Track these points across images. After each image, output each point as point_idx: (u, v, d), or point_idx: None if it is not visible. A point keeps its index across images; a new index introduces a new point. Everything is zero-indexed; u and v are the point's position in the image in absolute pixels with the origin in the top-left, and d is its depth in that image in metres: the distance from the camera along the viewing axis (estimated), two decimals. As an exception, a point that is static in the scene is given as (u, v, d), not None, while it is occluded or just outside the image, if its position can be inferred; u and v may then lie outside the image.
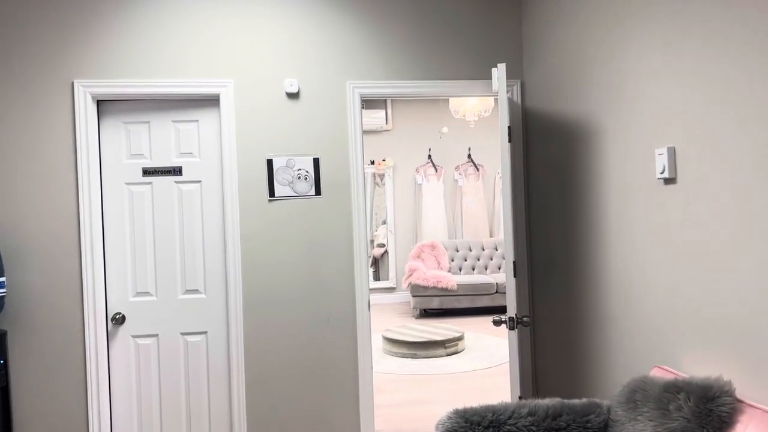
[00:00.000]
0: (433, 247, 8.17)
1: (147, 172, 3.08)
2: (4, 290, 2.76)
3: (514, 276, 2.70)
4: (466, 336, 6.51)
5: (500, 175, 8.89)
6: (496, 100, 7.87)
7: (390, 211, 8.86)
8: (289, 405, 3.12)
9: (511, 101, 3.26)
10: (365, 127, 8.68)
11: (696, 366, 1.96)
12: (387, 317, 7.79)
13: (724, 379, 1.80)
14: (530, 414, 2.03)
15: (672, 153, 2.05)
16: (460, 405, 4.43)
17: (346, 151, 3.16)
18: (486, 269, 8.27)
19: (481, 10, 3.27)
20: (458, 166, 8.86)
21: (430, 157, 8.81)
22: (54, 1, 2.96)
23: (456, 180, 8.87)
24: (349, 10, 3.18)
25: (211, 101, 3.12)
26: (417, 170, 8.78)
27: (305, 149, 3.13)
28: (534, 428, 1.99)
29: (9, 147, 2.92)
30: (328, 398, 3.14)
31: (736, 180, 1.77)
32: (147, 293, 3.08)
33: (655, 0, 2.13)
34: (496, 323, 2.64)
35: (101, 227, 3.02)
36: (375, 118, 8.54)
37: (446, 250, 8.23)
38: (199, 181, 3.12)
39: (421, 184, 8.74)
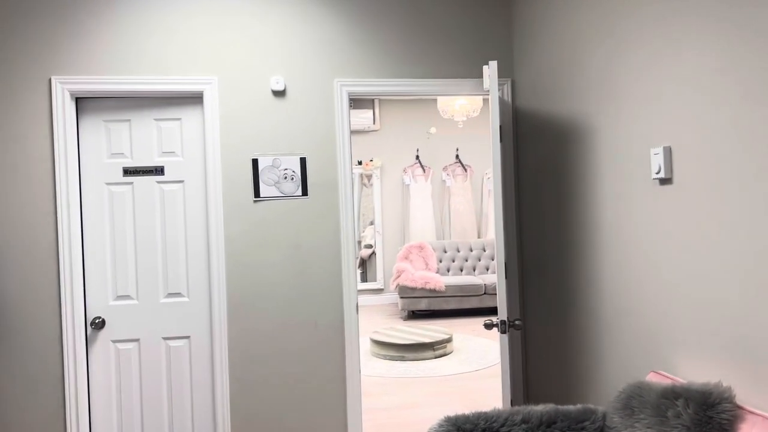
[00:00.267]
0: (421, 248, 8.13)
1: (128, 171, 3.00)
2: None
3: (506, 278, 2.65)
4: (454, 338, 6.47)
5: (488, 176, 8.89)
6: (485, 101, 7.84)
7: (378, 211, 8.80)
8: (275, 411, 3.04)
9: (501, 100, 3.22)
10: (353, 128, 8.62)
11: (693, 371, 1.92)
12: (374, 319, 7.73)
13: (724, 384, 1.75)
14: (524, 421, 1.97)
15: (668, 152, 2.00)
16: (450, 409, 4.38)
17: (334, 150, 3.10)
18: (474, 270, 8.24)
19: (472, 8, 3.22)
20: (446, 166, 8.83)
21: (418, 157, 8.77)
22: (30, -6, 2.86)
23: (444, 180, 8.83)
24: (337, 6, 3.12)
25: (194, 99, 3.04)
26: (405, 171, 8.74)
27: (292, 148, 3.06)
28: (528, 436, 1.94)
29: (-17, 145, 2.82)
30: (315, 403, 3.07)
31: (735, 180, 1.72)
32: (128, 297, 3.00)
33: (650, -4, 2.09)
34: (488, 326, 2.59)
35: (80, 229, 2.93)
36: (362, 118, 8.48)
37: (434, 251, 8.19)
38: (182, 181, 3.04)
39: (408, 185, 8.70)
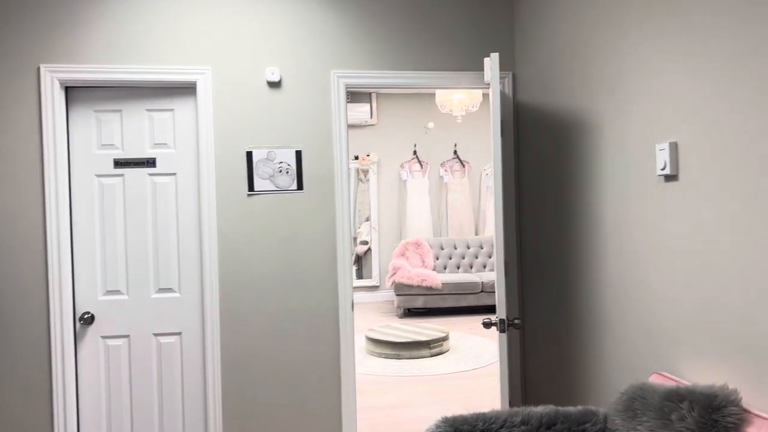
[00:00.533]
0: (417, 244, 8.10)
1: (119, 163, 2.95)
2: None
3: (505, 275, 2.62)
4: (451, 336, 6.44)
5: (486, 172, 8.86)
6: (484, 96, 7.80)
7: (374, 207, 8.77)
8: (268, 409, 3.01)
9: (502, 94, 3.18)
10: (349, 122, 8.57)
11: (698, 373, 1.89)
12: (370, 316, 7.70)
13: (730, 387, 1.72)
14: (523, 422, 1.94)
15: (674, 148, 1.97)
16: (446, 408, 4.35)
17: (330, 143, 3.06)
18: (471, 268, 8.22)
19: (472, -2, 3.18)
20: (444, 162, 8.79)
21: (415, 152, 8.73)
22: (19, -21, 2.81)
23: (441, 176, 8.80)
24: (335, -5, 3.07)
25: (187, 89, 3.00)
26: (402, 166, 8.70)
27: (287, 141, 3.02)
28: (527, 438, 1.91)
29: (-31, 135, 2.77)
30: (309, 401, 3.03)
31: (743, 177, 1.69)
32: (118, 292, 2.96)
33: (657, -13, 2.05)
34: (486, 325, 2.55)
35: (69, 221, 2.88)
36: (359, 112, 8.43)
37: (431, 248, 8.16)
38: (174, 174, 3.00)
39: (405, 181, 8.66)
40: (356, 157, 8.63)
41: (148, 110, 2.99)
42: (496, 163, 2.56)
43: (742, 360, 1.71)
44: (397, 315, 7.72)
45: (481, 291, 7.57)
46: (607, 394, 2.43)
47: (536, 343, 3.08)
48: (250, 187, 2.99)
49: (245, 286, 3.00)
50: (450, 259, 8.23)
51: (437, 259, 8.17)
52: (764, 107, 1.62)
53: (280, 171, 3.01)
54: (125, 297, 2.97)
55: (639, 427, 1.76)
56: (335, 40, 3.07)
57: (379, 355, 5.75)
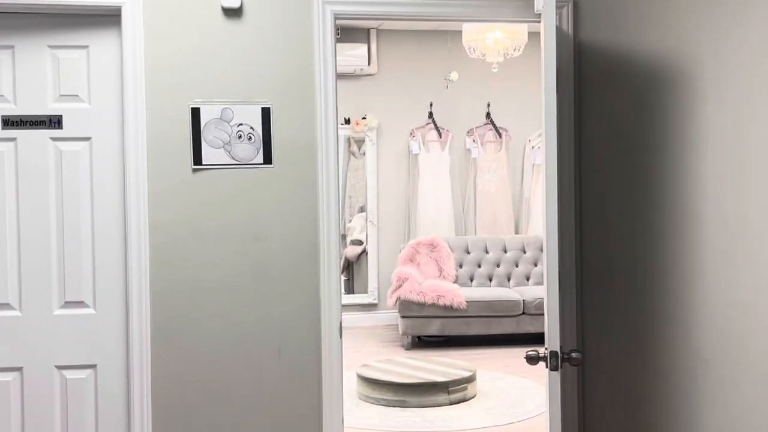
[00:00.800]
0: (433, 246, 8.12)
1: (9, 122, 2.98)
2: None
3: (559, 292, 2.63)
4: (478, 376, 6.45)
5: (533, 144, 8.86)
6: (531, 34, 7.75)
7: (371, 193, 8.78)
8: (217, 477, 3.03)
9: (559, 30, 3.16)
10: (339, 69, 8.56)
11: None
12: (364, 347, 7.73)
13: None
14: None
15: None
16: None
17: (312, 98, 3.10)
18: (509, 280, 8.24)
19: None
20: (472, 129, 8.80)
21: (431, 115, 8.73)
22: None
23: (469, 150, 8.81)
24: None
25: (108, 18, 3.00)
26: (412, 134, 8.71)
27: (250, 94, 3.04)
28: None
29: None
30: (277, 467, 3.06)
31: None
32: (6, 306, 2.99)
33: None
34: (531, 360, 2.58)
35: (-63, 204, 2.90)
36: (352, 56, 8.42)
37: (452, 251, 8.19)
38: (89, 139, 3.03)
39: (417, 155, 8.67)
40: (347, 121, 8.61)
41: (52, 47, 3.00)
42: (548, 133, 2.55)
43: None
44: (402, 345, 7.75)
45: (523, 313, 7.59)
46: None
47: (600, 386, 3.11)
48: (197, 160, 3.01)
49: (189, 300, 3.02)
50: (479, 267, 8.25)
51: (461, 267, 8.19)
52: None
53: (240, 137, 3.02)
54: (16, 313, 2.99)
55: None
56: (321, -49, 3.07)
57: (377, 402, 5.78)
